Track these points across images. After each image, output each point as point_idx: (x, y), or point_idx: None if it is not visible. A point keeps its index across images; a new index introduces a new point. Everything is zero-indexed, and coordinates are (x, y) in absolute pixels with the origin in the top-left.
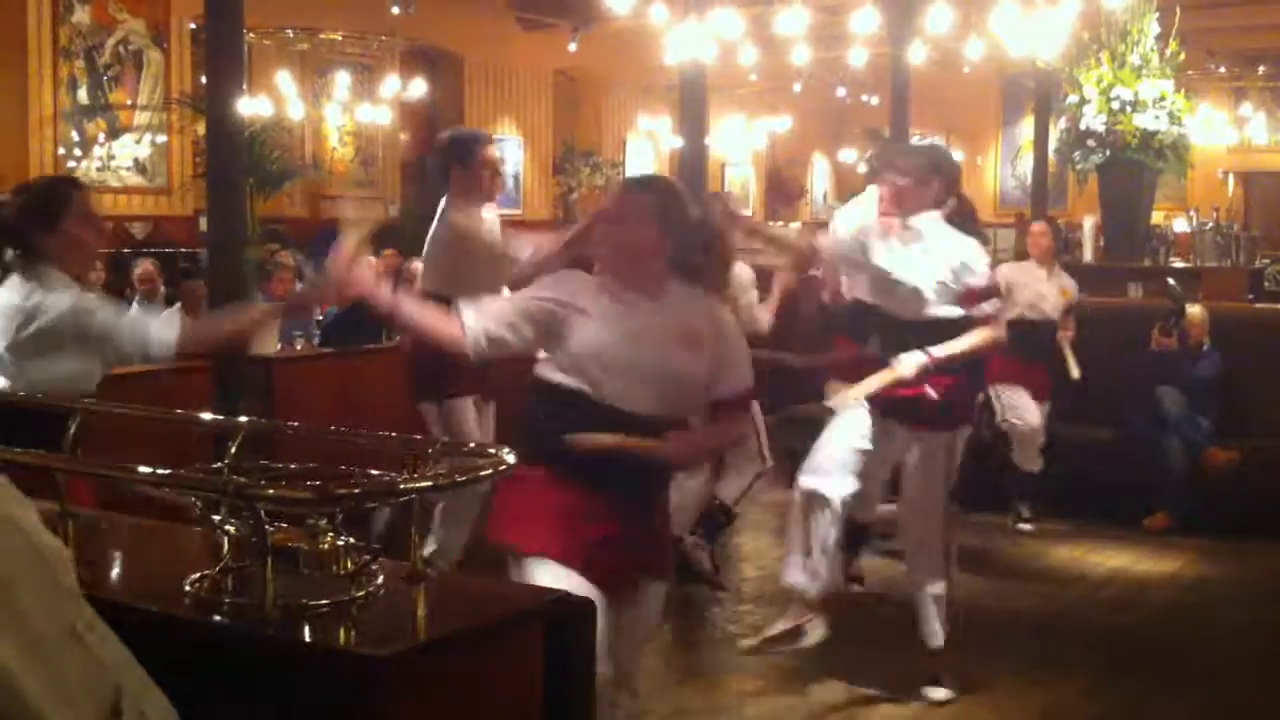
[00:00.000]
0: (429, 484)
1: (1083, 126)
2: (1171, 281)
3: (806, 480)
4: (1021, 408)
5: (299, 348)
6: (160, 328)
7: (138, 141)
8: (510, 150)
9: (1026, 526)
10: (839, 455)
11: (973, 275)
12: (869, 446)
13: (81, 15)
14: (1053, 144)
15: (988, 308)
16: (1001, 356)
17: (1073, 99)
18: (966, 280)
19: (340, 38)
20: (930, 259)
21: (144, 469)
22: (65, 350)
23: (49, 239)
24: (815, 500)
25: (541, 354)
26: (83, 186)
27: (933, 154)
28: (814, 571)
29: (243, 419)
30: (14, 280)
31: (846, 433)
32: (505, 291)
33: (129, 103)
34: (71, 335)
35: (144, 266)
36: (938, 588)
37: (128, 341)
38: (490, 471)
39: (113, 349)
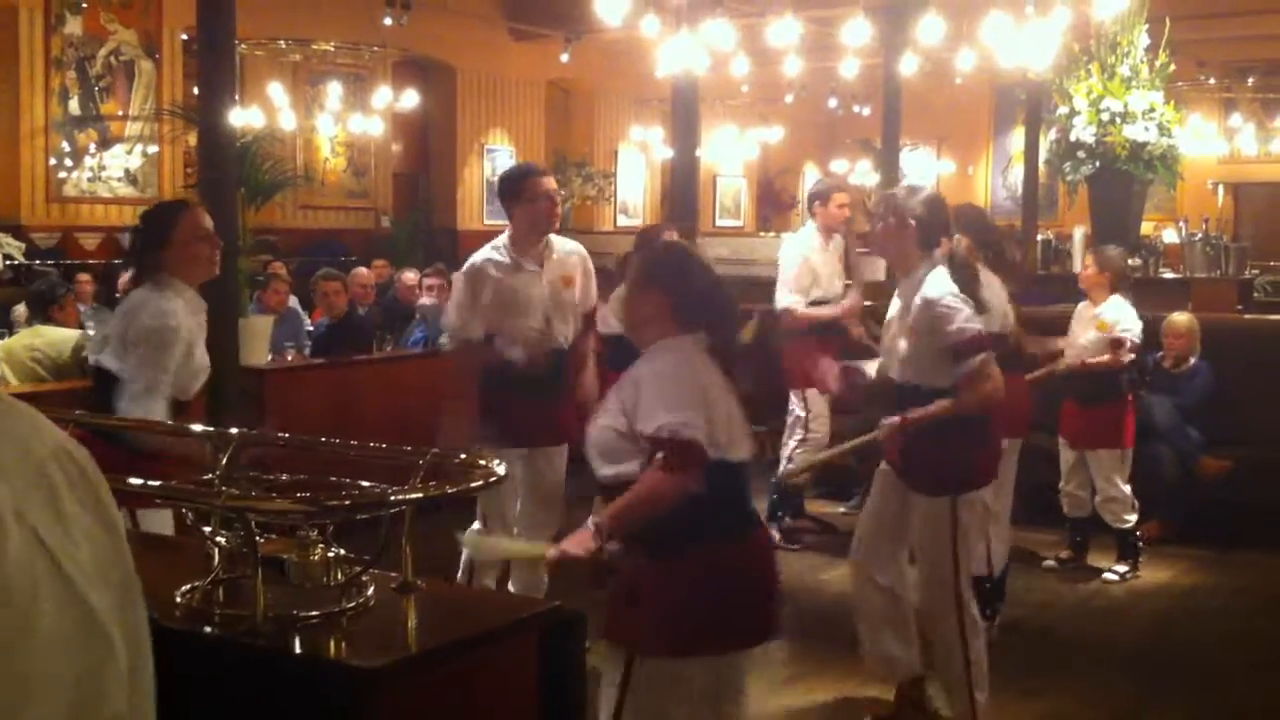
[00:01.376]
0: (419, 495)
1: (1073, 137)
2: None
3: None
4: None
5: (290, 358)
6: None
7: (129, 152)
8: (502, 160)
9: (1112, 577)
10: (869, 531)
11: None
12: (880, 507)
13: (73, 26)
14: (1043, 155)
15: (971, 364)
16: (1074, 402)
17: (1063, 110)
18: (944, 338)
19: (332, 48)
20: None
21: (135, 480)
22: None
23: (165, 254)
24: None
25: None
26: (193, 206)
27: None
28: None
29: (234, 430)
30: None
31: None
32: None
33: (120, 113)
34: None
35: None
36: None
37: None
38: (481, 483)
39: None
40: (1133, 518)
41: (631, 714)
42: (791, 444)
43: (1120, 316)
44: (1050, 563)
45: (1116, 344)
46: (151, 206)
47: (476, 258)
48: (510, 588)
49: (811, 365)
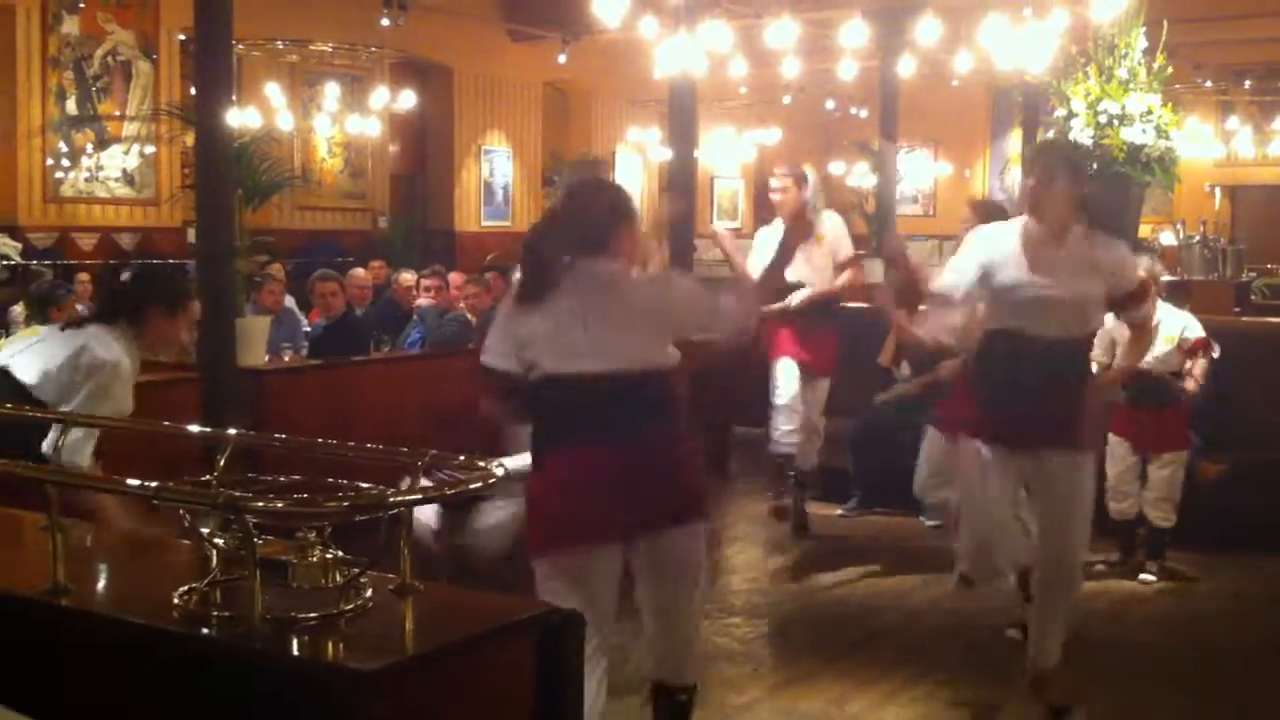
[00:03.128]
0: (418, 496)
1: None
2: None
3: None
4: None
5: (287, 359)
6: None
7: (126, 152)
8: (499, 162)
9: (1150, 578)
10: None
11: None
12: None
13: (70, 26)
14: None
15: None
16: (1133, 407)
17: (1060, 112)
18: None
19: (330, 49)
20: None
21: (133, 481)
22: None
23: (161, 323)
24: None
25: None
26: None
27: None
28: None
29: (231, 431)
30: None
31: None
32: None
33: (117, 113)
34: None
35: (128, 275)
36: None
37: None
38: (479, 484)
39: None
40: (1174, 517)
41: None
42: (771, 416)
43: (1185, 322)
44: (1100, 567)
45: (1206, 346)
46: (163, 265)
47: None
48: None
49: (783, 336)
